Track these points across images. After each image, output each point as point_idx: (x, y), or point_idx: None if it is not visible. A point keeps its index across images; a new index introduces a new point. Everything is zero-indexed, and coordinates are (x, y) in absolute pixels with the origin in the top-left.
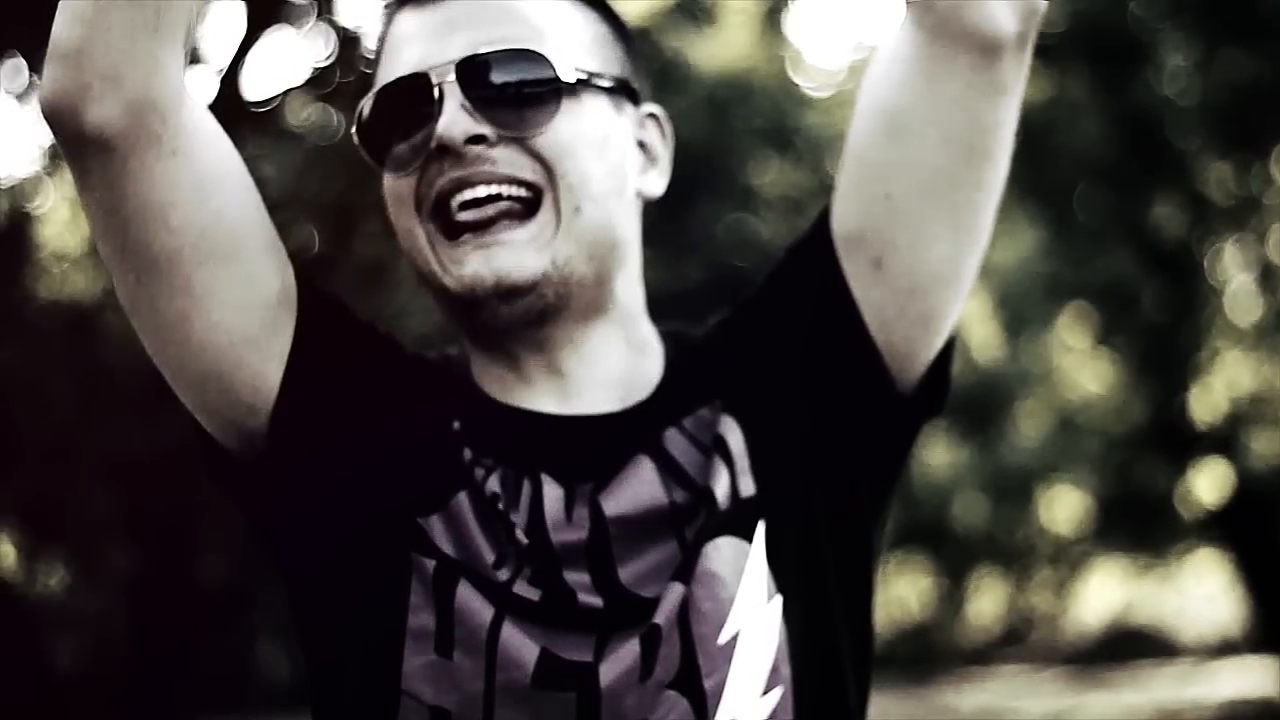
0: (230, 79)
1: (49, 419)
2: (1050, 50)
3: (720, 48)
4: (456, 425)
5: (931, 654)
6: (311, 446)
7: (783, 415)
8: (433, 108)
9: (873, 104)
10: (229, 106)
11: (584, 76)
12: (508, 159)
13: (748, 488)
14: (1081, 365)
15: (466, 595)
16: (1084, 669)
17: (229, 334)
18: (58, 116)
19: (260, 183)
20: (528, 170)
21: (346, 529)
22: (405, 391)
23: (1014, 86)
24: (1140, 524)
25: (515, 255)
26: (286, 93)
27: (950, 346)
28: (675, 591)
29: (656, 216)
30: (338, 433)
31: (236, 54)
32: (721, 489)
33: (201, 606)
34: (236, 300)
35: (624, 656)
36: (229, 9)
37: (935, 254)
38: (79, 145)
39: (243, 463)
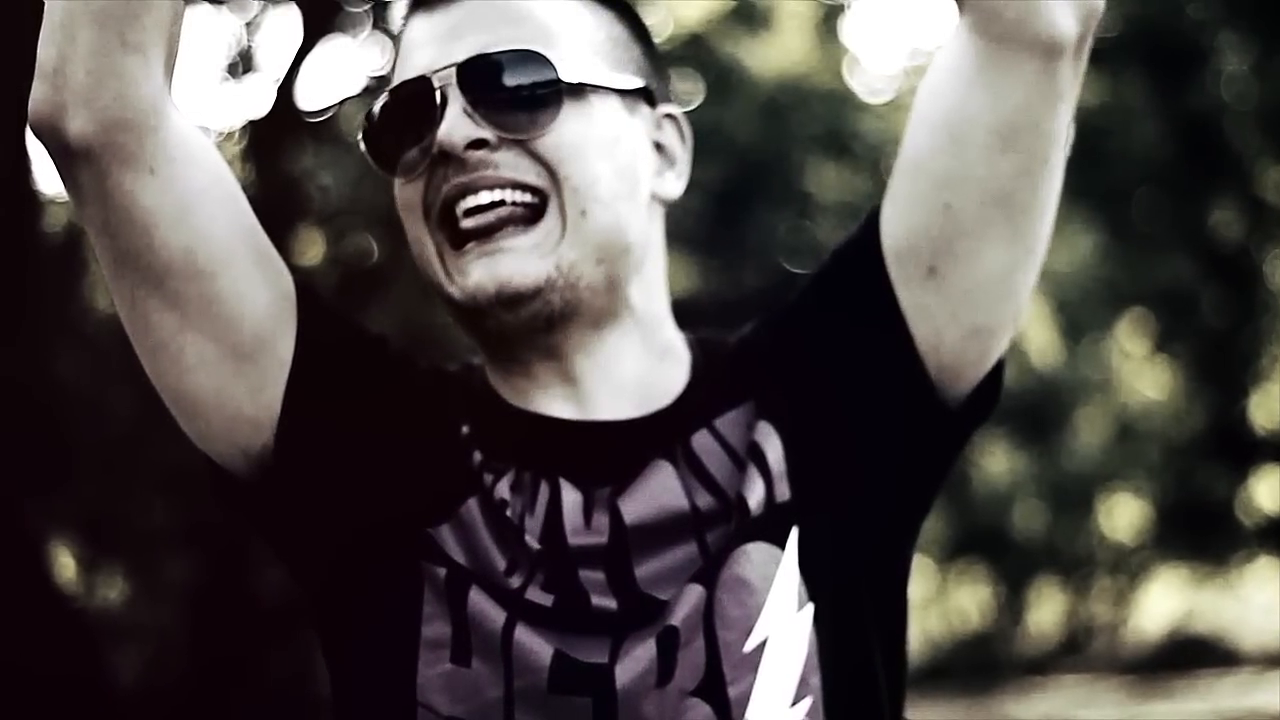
0: (286, 88)
1: (108, 431)
2: (1106, 54)
3: (776, 53)
4: (465, 429)
5: (991, 664)
6: (320, 458)
7: (821, 422)
8: (435, 112)
9: (932, 114)
10: (285, 116)
11: (591, 78)
12: (510, 162)
13: (783, 493)
14: (1140, 371)
15: (478, 601)
16: (1144, 678)
17: (224, 346)
18: (41, 134)
19: (318, 192)
20: (531, 174)
21: (357, 542)
22: (415, 402)
23: (1071, 92)
24: (1200, 532)
25: (518, 262)
26: (342, 102)
27: (1000, 361)
28: (693, 593)
29: (713, 223)
30: (345, 444)
31: (292, 63)
32: (755, 494)
33: (261, 619)
34: (229, 313)
35: (640, 658)
36: (284, 18)
37: (992, 264)
38: (63, 162)
39: (251, 484)
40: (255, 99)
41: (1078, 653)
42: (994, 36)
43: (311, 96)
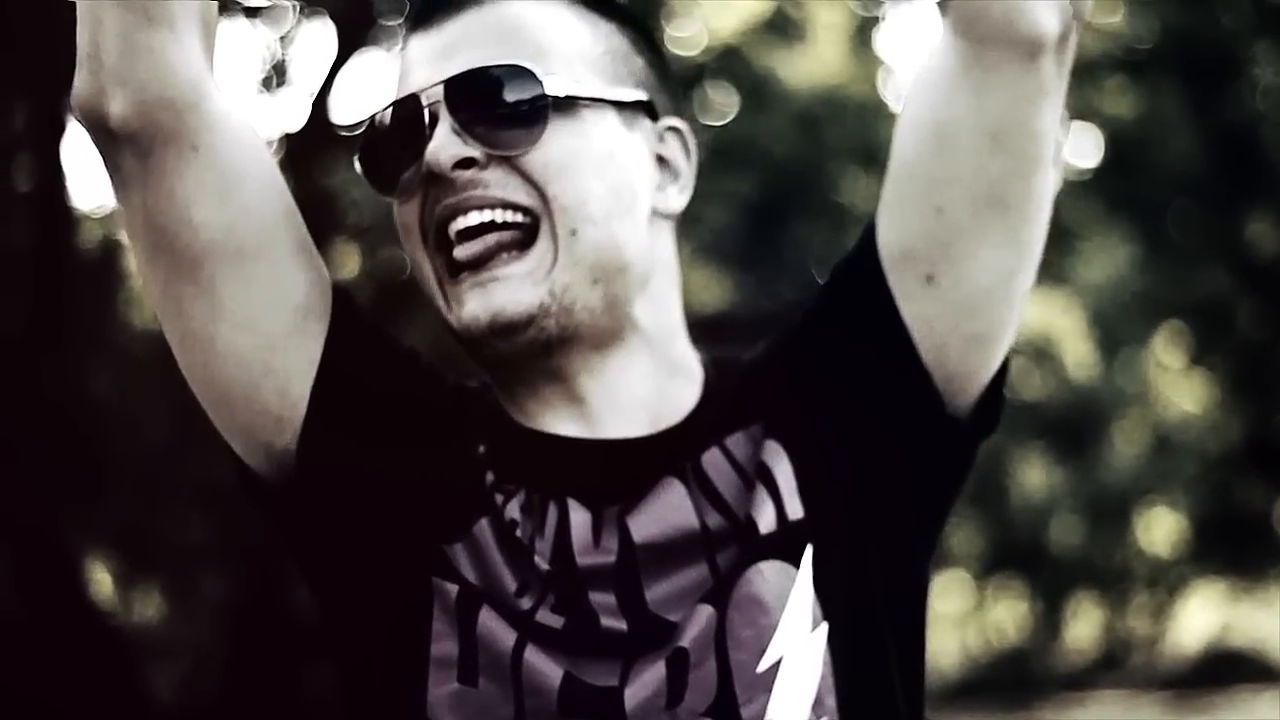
0: (321, 102)
1: (143, 447)
2: (1142, 66)
3: (811, 65)
4: (481, 449)
5: (1029, 679)
6: (340, 465)
7: (831, 439)
8: (425, 132)
9: (919, 118)
10: (320, 130)
11: (581, 91)
12: (499, 180)
13: (795, 511)
14: (1177, 384)
15: (488, 621)
16: (1183, 693)
17: (255, 337)
18: (85, 120)
19: (352, 206)
20: (520, 192)
21: (372, 554)
22: (437, 416)
23: (1055, 90)
24: (1238, 545)
25: (510, 291)
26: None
27: (1004, 368)
28: (703, 614)
29: (748, 236)
30: (367, 454)
31: (327, 77)
32: (765, 514)
33: (298, 635)
34: (263, 300)
35: (649, 680)
36: (319, 32)
37: (988, 268)
38: (107, 147)
39: (272, 483)
40: (290, 112)
41: (1115, 668)
42: (976, 37)
43: (346, 110)
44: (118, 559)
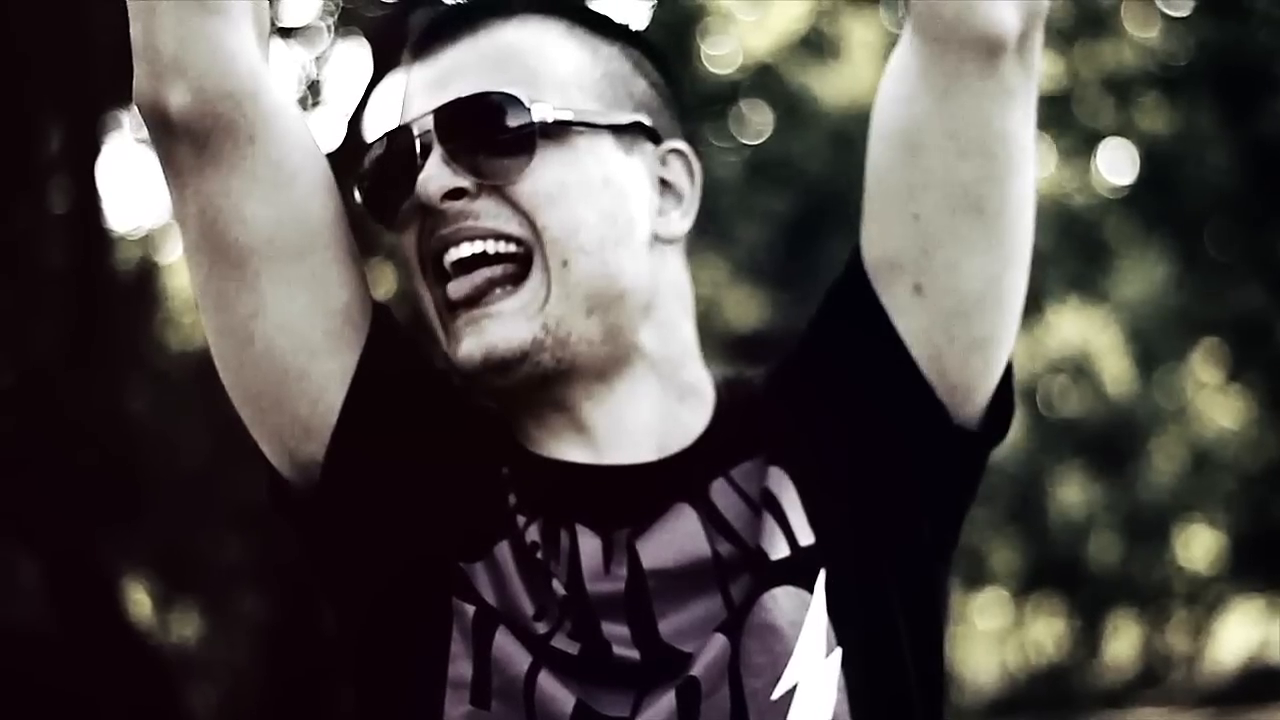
0: (356, 122)
1: (181, 468)
2: (1176, 82)
3: (846, 83)
4: (505, 470)
5: (1068, 696)
6: (365, 479)
7: (837, 461)
8: (417, 162)
9: (887, 125)
10: (355, 150)
11: (573, 117)
12: (491, 211)
13: (806, 538)
14: (1214, 401)
15: (504, 643)
16: (1222, 710)
17: (293, 339)
18: (144, 112)
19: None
20: (512, 223)
21: (394, 570)
22: (464, 436)
23: (1021, 90)
24: (1277, 562)
25: (504, 328)
26: None
27: (1009, 373)
28: (716, 643)
29: (783, 254)
30: (393, 468)
31: (362, 97)
32: (775, 541)
33: (335, 655)
34: (305, 302)
35: (660, 710)
36: (354, 52)
37: (974, 274)
38: (165, 139)
39: (298, 490)
40: (325, 132)
41: (1154, 684)
42: (934, 38)
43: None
44: (155, 579)
